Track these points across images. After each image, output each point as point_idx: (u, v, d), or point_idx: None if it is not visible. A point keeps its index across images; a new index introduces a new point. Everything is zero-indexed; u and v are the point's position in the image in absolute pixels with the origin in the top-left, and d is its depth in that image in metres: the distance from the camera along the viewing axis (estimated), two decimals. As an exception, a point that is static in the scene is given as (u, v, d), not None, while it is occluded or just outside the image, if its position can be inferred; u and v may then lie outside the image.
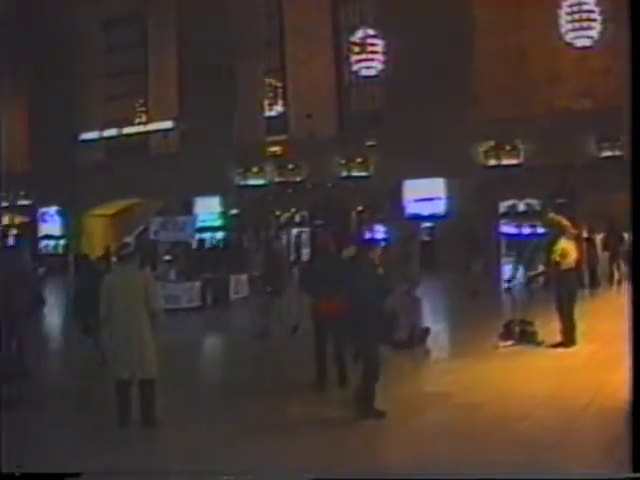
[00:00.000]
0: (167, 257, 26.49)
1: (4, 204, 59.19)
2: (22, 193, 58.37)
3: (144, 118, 58.09)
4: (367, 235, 39.32)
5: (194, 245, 30.73)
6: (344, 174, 44.27)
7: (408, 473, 7.56)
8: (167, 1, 52.82)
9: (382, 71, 43.29)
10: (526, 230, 35.81)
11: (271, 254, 18.15)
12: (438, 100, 38.42)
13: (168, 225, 23.76)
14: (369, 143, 42.93)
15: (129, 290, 9.75)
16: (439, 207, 41.09)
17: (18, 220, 58.05)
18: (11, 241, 54.34)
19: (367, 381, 9.74)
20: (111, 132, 56.73)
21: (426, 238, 39.57)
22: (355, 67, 44.31)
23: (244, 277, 26.22)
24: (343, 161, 44.37)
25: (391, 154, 40.46)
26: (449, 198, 40.68)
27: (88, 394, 12.03)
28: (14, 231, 57.16)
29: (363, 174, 43.80)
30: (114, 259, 11.48)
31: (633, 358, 6.47)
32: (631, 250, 6.81)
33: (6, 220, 58.42)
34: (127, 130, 56.44)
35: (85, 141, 56.89)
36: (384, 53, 43.09)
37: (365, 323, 9.72)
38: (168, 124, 52.70)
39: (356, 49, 43.85)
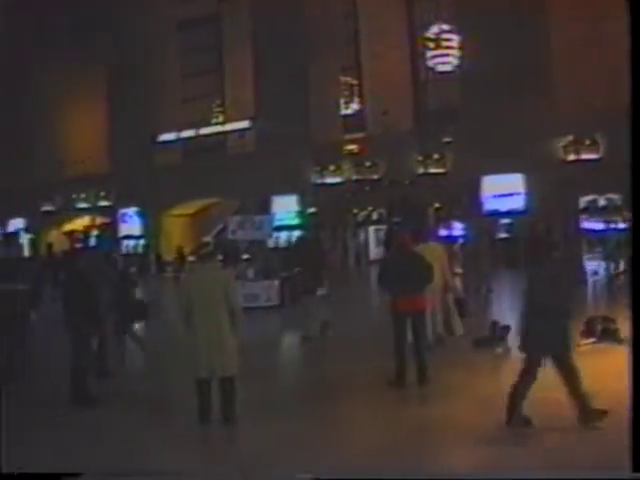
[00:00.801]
0: (245, 256, 26.62)
1: (85, 205, 60.26)
2: (102, 194, 59.29)
3: (221, 118, 58.60)
4: (444, 232, 39.02)
5: (271, 244, 30.80)
6: (421, 171, 44.05)
7: (408, 473, 7.47)
8: (242, 2, 53.17)
9: (458, 66, 42.97)
10: (607, 225, 35.23)
11: (308, 253, 17.97)
12: (515, 94, 38.00)
13: (246, 224, 23.81)
14: (446, 139, 42.60)
15: (209, 289, 9.79)
16: (518, 203, 40.62)
17: (99, 221, 58.97)
18: (93, 242, 55.34)
19: None
20: (188, 133, 57.26)
21: (504, 235, 39.17)
22: (430, 63, 44.13)
23: (323, 275, 26.15)
24: (420, 158, 44.13)
25: (468, 150, 40.10)
26: (528, 194, 40.20)
27: (168, 392, 12.12)
28: (95, 232, 58.14)
29: (440, 170, 43.52)
30: (193, 258, 11.52)
31: (633, 359, 6.48)
32: (631, 250, 6.70)
33: (87, 221, 59.45)
34: (204, 131, 56.91)
35: (163, 142, 57.51)
36: (459, 48, 42.77)
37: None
38: (245, 124, 53.00)
39: (431, 44, 43.64)
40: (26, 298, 9.94)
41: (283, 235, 43.20)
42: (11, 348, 12.55)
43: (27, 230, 62.62)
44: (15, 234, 62.41)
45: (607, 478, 6.82)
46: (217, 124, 58.05)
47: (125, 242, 56.89)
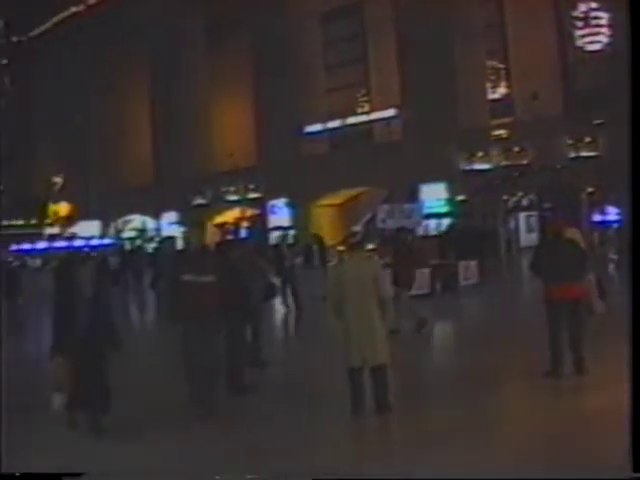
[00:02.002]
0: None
1: (235, 198, 61.38)
2: (251, 186, 60.24)
3: (366, 107, 58.65)
4: (598, 217, 37.96)
5: (421, 232, 30.63)
6: (572, 155, 42.97)
7: (408, 473, 7.33)
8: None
9: (608, 45, 41.67)
10: None
11: (404, 252, 17.58)
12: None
13: (395, 212, 23.72)
14: (598, 121, 41.38)
15: (359, 278, 9.73)
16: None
17: (249, 213, 59.96)
18: (243, 233, 56.32)
19: None
20: (335, 123, 57.56)
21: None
22: (579, 43, 42.91)
23: (473, 263, 25.86)
24: (571, 141, 43.04)
25: (622, 131, 38.78)
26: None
27: (320, 381, 12.17)
28: (245, 224, 59.16)
29: (592, 154, 42.31)
30: (343, 247, 11.52)
31: (633, 359, 6.24)
32: (631, 250, 6.37)
33: (237, 213, 60.56)
34: (350, 120, 57.10)
35: (310, 133, 57.98)
36: (609, 26, 41.46)
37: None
38: (391, 112, 52.93)
39: (579, 24, 42.45)
40: (212, 290, 10.09)
41: (432, 223, 42.93)
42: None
43: (179, 224, 64.26)
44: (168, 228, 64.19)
45: (607, 478, 6.66)
46: (363, 113, 58.18)
47: (274, 233, 57.68)
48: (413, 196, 43.18)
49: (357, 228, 40.04)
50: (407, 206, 25.24)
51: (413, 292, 22.20)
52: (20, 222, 78.84)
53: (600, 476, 6.70)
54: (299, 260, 27.62)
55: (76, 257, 12.90)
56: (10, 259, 39.00)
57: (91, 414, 8.99)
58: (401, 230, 18.49)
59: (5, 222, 77.69)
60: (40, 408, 10.35)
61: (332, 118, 57.93)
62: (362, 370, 9.68)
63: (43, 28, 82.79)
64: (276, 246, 25.36)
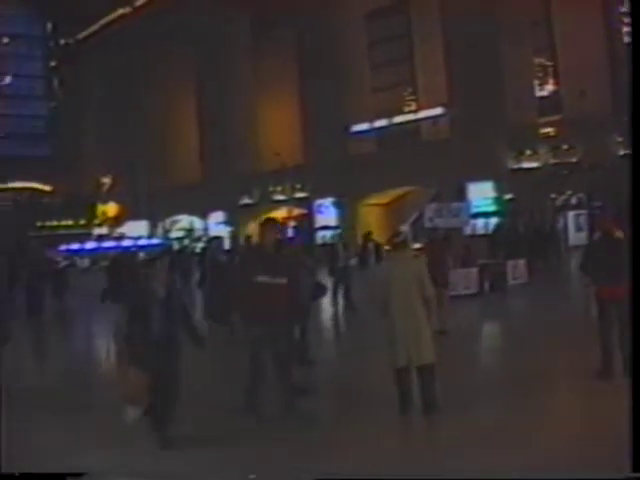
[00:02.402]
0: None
1: (282, 197, 61.51)
2: (298, 186, 60.33)
3: (413, 106, 58.48)
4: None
5: (468, 231, 30.48)
6: (621, 152, 42.48)
7: (407, 473, 7.30)
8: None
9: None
10: None
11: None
12: None
13: (442, 211, 23.64)
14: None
15: (404, 277, 9.75)
16: None
17: (296, 212, 60.07)
18: (290, 233, 56.41)
19: None
20: (381, 122, 57.47)
21: None
22: (628, 39, 42.35)
23: (522, 262, 25.70)
24: (620, 139, 42.56)
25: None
26: None
27: (367, 381, 12.16)
28: (292, 223, 59.26)
29: (642, 151, 41.78)
30: (388, 247, 11.49)
31: (633, 358, 6.21)
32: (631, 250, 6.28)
33: (284, 212, 60.69)
34: (397, 119, 56.99)
35: (357, 132, 57.96)
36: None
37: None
38: (438, 111, 52.74)
39: (627, 20, 41.91)
40: (286, 291, 10.10)
41: (480, 222, 42.71)
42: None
43: (227, 223, 64.57)
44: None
45: (607, 478, 6.61)
46: (410, 112, 58.02)
47: (321, 233, 57.74)
48: (460, 195, 42.97)
49: (404, 227, 39.95)
50: (455, 205, 25.12)
51: (462, 292, 22.17)
52: (69, 222, 79.76)
53: (600, 476, 6.66)
54: (353, 260, 27.60)
55: (150, 255, 12.72)
56: (59, 259, 39.41)
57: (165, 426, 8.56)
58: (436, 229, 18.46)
59: (55, 222, 78.71)
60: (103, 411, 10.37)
61: (379, 117, 57.86)
62: (409, 370, 9.67)
63: (90, 30, 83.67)
64: (331, 245, 25.31)
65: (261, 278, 9.81)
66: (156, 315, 8.59)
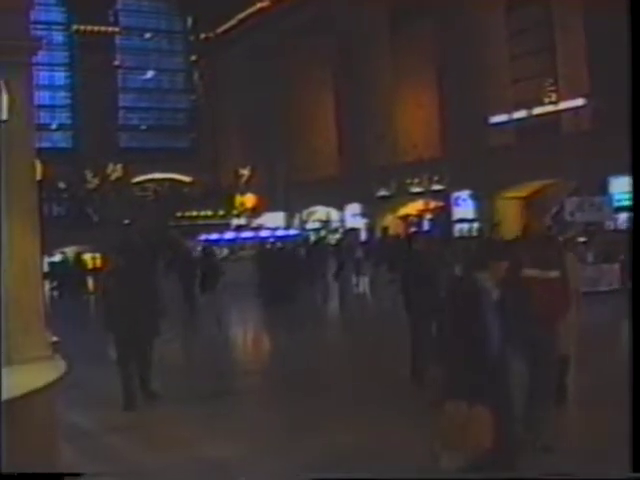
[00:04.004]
0: (581, 239, 25.86)
1: (419, 189, 61.28)
2: (435, 178, 59.97)
3: (554, 97, 57.27)
4: None
5: (611, 226, 29.70)
6: None
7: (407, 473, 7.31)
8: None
9: None
10: None
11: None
12: None
13: (584, 205, 23.16)
14: None
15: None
16: None
17: (432, 205, 59.76)
18: (426, 226, 56.26)
19: None
20: (520, 113, 56.54)
21: None
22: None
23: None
24: None
25: None
26: None
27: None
28: (429, 216, 59.05)
29: None
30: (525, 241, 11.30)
31: (633, 358, 6.22)
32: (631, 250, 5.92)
33: (421, 205, 60.48)
34: (537, 110, 55.94)
35: (495, 124, 57.18)
36: None
37: None
38: (579, 102, 51.47)
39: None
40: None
41: (623, 217, 41.52)
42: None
43: (363, 215, 64.72)
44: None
45: (607, 478, 6.57)
46: (550, 103, 56.82)
47: (459, 226, 57.29)
48: (603, 188, 41.88)
49: (545, 221, 39.25)
50: (597, 199, 24.54)
51: (603, 288, 21.62)
52: (208, 213, 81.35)
53: (600, 476, 6.63)
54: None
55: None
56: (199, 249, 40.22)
57: None
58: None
59: (194, 213, 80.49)
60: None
61: (518, 108, 56.91)
62: None
63: (229, 24, 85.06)
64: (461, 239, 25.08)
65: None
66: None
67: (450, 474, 6.93)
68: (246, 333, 21.89)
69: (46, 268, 30.61)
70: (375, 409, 10.49)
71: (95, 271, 39.64)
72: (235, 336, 21.52)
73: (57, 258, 42.63)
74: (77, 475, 6.18)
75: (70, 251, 46.83)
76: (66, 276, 39.02)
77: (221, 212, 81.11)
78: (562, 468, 7.23)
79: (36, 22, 65.72)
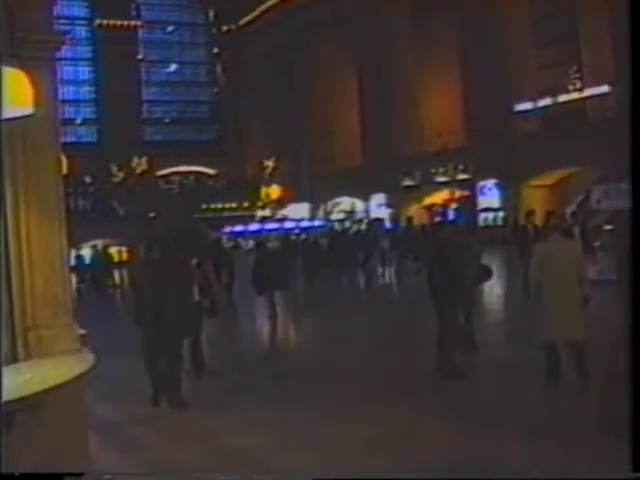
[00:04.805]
0: (608, 227, 25.67)
1: (444, 179, 61.15)
2: (460, 167, 59.79)
3: (578, 84, 56.93)
4: None
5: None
6: None
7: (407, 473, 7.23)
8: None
9: None
10: None
11: None
12: None
13: (611, 193, 22.97)
14: None
15: (561, 258, 10.20)
16: None
17: (458, 194, 59.60)
18: (452, 215, 56.12)
19: None
20: (545, 101, 56.29)
21: None
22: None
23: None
24: None
25: None
26: None
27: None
28: (454, 205, 58.90)
29: None
30: (547, 229, 11.48)
31: (633, 356, 5.98)
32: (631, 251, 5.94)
33: (446, 194, 60.33)
34: (562, 98, 55.66)
35: (520, 112, 56.94)
36: None
37: None
38: (604, 89, 51.14)
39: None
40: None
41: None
42: None
43: (388, 206, 64.65)
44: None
45: (607, 478, 6.48)
46: (575, 90, 56.49)
47: (484, 215, 57.15)
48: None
49: (571, 209, 39.07)
50: (624, 186, 24.32)
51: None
52: (233, 205, 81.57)
53: (600, 476, 6.63)
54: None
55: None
56: (224, 240, 40.34)
57: None
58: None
59: (219, 205, 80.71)
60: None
61: (543, 96, 56.66)
62: (557, 345, 10.21)
63: (251, 16, 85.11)
64: (487, 228, 24.98)
65: None
66: None
67: (450, 474, 7.11)
68: (274, 326, 21.94)
69: (73, 262, 30.80)
70: (401, 400, 10.49)
71: (121, 264, 39.92)
72: (262, 326, 21.58)
73: (84, 252, 42.89)
74: (77, 475, 6.23)
75: (96, 245, 47.11)
76: (93, 269, 39.25)
77: (246, 204, 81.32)
78: (562, 468, 7.27)
79: (60, 17, 66.12)
